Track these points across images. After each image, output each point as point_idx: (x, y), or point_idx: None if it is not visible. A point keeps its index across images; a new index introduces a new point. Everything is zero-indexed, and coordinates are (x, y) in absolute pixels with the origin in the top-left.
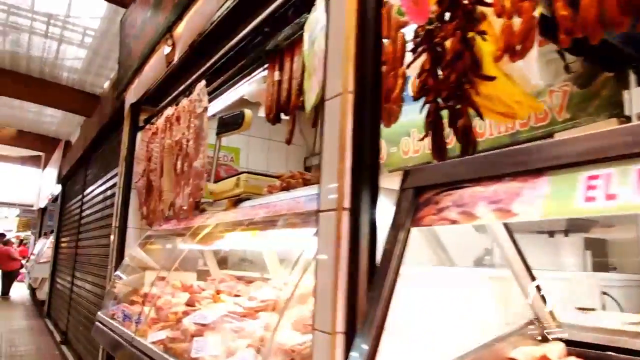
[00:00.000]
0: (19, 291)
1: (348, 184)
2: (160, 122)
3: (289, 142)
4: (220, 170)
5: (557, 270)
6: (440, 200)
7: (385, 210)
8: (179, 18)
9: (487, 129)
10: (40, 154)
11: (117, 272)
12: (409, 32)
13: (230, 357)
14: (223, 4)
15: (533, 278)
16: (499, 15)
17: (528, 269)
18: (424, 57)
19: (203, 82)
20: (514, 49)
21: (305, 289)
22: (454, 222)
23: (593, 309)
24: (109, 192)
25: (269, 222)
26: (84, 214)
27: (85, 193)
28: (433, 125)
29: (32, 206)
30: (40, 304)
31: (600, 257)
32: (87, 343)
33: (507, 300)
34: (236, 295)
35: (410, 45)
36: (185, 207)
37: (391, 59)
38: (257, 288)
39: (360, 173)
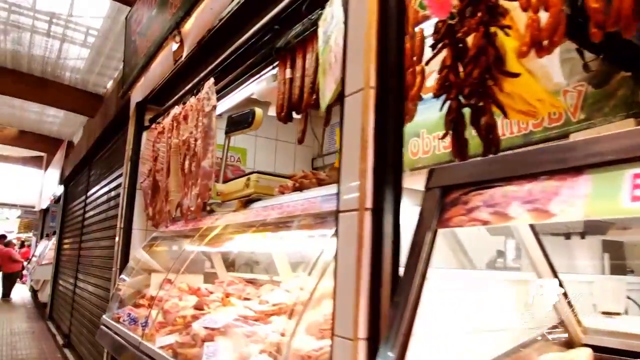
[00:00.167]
0: (20, 293)
1: (370, 183)
2: (167, 121)
3: (301, 141)
4: (227, 171)
5: (578, 274)
6: (469, 200)
7: (404, 210)
8: (188, 14)
9: (499, 130)
10: (42, 154)
11: (122, 275)
12: (427, 27)
13: None
14: (233, 0)
15: (559, 281)
16: (524, 9)
17: (554, 271)
18: (444, 53)
19: (212, 80)
20: (540, 44)
21: (320, 292)
22: (485, 222)
23: (618, 314)
24: (113, 193)
25: (283, 223)
26: (87, 215)
27: (88, 194)
28: (454, 123)
29: (33, 207)
30: (42, 306)
31: (618, 260)
32: (90, 346)
33: (530, 303)
34: (245, 299)
35: (429, 41)
36: (193, 208)
37: (409, 55)
38: (267, 291)
39: (383, 172)
